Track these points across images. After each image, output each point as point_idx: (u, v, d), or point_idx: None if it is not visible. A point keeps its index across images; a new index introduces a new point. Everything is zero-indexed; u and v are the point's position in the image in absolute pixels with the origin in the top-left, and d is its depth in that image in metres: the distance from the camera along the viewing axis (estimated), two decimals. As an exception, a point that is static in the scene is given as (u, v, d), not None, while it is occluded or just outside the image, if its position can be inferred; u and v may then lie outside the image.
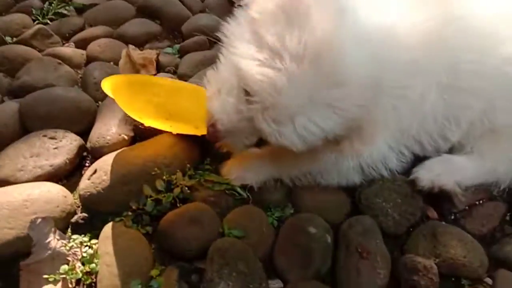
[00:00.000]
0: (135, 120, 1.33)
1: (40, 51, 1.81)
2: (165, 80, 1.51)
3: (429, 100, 1.06)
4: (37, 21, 2.04)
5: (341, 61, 0.85)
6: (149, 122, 1.26)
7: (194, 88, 1.43)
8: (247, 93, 0.90)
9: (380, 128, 1.01)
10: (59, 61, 1.69)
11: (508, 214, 1.14)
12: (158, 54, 1.73)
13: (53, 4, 2.11)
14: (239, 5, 0.99)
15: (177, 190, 1.15)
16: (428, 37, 1.03)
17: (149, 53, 1.72)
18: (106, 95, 1.48)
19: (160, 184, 1.16)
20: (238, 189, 1.17)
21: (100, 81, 1.34)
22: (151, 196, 1.14)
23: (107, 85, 1.23)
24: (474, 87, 1.07)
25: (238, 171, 1.19)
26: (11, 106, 1.44)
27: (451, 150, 1.19)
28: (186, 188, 1.16)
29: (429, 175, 1.12)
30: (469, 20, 1.07)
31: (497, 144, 1.11)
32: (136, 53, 1.71)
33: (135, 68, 1.64)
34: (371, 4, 1.00)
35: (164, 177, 1.16)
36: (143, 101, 1.35)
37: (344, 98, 0.87)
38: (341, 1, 0.91)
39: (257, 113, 0.89)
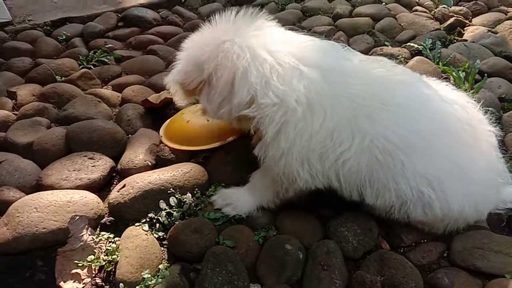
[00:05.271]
0: (158, 151, 1.66)
1: (83, 90, 2.17)
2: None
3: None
4: (82, 66, 2.43)
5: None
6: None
7: None
8: None
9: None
10: (99, 99, 2.03)
11: (446, 252, 1.39)
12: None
13: (97, 53, 2.51)
14: None
15: (185, 207, 1.45)
16: None
17: (166, 94, 1.94)
18: (135, 130, 1.83)
19: (173, 201, 1.46)
20: (235, 212, 1.46)
21: (132, 119, 1.70)
22: (165, 209, 1.44)
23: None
24: None
25: (230, 201, 1.45)
26: (59, 131, 1.78)
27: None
28: (193, 206, 1.46)
29: None
30: None
31: None
32: (156, 97, 2.00)
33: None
34: None
35: (177, 196, 1.47)
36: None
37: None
38: None
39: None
